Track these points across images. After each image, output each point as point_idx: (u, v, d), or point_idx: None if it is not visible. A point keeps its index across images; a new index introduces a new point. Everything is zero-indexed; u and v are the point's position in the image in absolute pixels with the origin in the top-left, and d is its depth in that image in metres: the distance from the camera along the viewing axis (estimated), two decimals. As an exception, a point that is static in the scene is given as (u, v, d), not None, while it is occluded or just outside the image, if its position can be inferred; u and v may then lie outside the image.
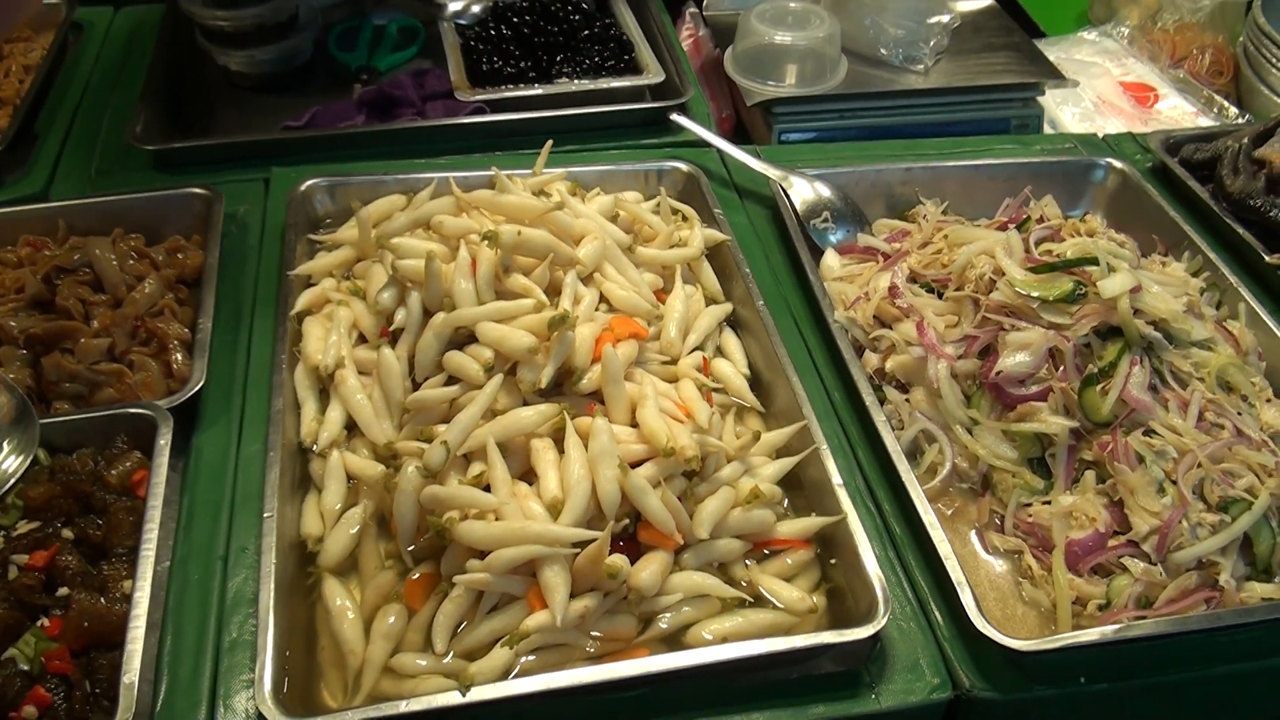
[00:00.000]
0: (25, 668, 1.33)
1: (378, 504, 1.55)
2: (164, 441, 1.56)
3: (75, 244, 1.92)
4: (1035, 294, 1.69)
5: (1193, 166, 2.26)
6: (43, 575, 1.43)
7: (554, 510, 1.42)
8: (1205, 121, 2.71)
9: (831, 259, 2.01)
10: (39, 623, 1.38)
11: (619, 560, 1.38)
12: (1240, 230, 2.06)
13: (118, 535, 1.49)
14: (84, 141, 2.32)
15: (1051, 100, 2.67)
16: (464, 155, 2.20)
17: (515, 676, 1.36)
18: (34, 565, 1.43)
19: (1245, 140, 2.20)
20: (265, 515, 1.48)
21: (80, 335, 1.75)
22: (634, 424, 1.54)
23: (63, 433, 1.61)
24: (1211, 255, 1.99)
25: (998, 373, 1.66)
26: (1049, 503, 1.61)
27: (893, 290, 1.83)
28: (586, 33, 2.50)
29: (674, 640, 1.44)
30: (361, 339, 1.71)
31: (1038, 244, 1.81)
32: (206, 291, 1.83)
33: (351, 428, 1.63)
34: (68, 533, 1.49)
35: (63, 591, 1.42)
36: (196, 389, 1.66)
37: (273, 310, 1.82)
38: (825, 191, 2.10)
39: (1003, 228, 1.92)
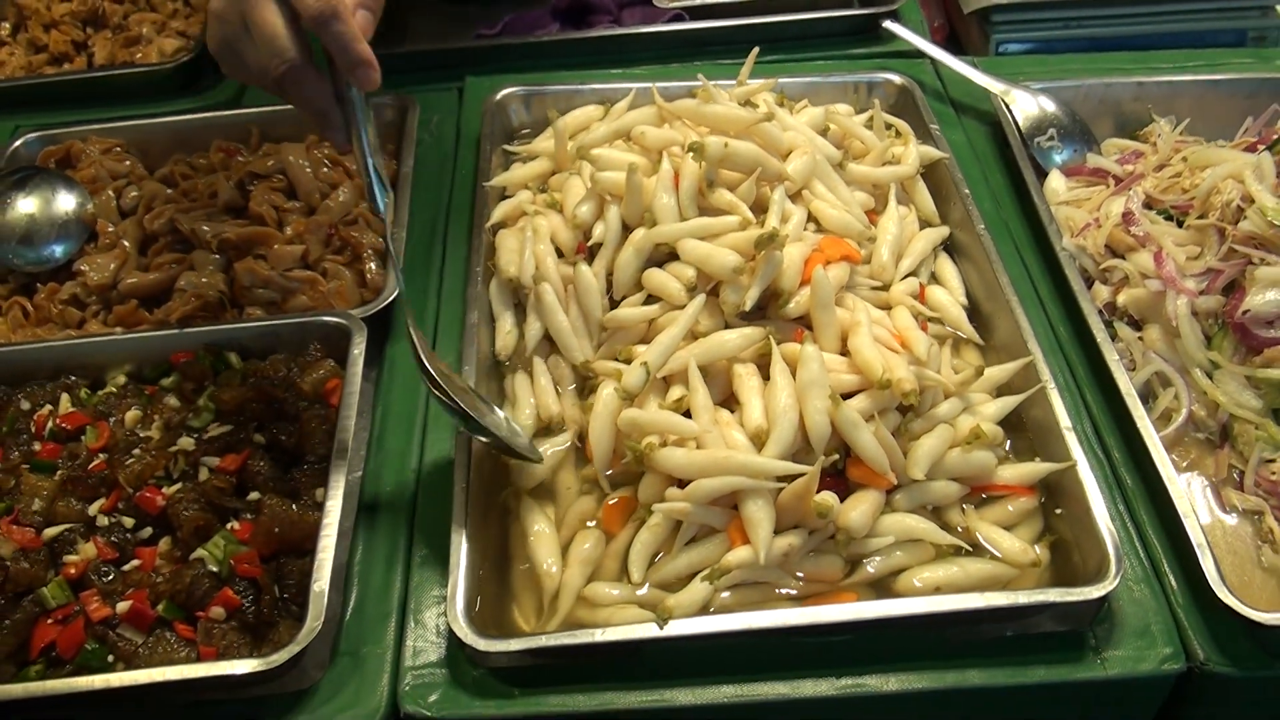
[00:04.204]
0: (214, 569, 1.32)
1: (575, 427, 1.49)
2: (358, 351, 1.53)
3: (269, 150, 1.90)
4: (1289, 224, 1.52)
5: None
6: (234, 479, 1.42)
7: (758, 440, 1.34)
8: None
9: (1057, 181, 1.86)
10: (229, 525, 1.38)
11: (829, 498, 1.29)
12: None
13: (310, 443, 1.47)
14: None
15: (1293, 11, 2.41)
16: (662, 65, 2.11)
17: (712, 613, 1.29)
18: (225, 468, 1.43)
19: None
20: (461, 430, 1.43)
21: (274, 241, 1.73)
22: (844, 353, 1.44)
23: (255, 337, 1.60)
24: None
25: (1244, 312, 1.50)
26: (1298, 460, 1.45)
27: (1127, 216, 1.67)
28: (791, -64, 2.35)
29: (881, 586, 1.35)
30: (556, 254, 1.65)
31: (1292, 166, 1.62)
32: (401, 200, 1.79)
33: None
34: (259, 438, 1.47)
35: (253, 496, 1.41)
36: (391, 299, 1.63)
37: (466, 222, 1.78)
38: (1050, 107, 1.94)
39: (1251, 148, 1.74)
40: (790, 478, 1.29)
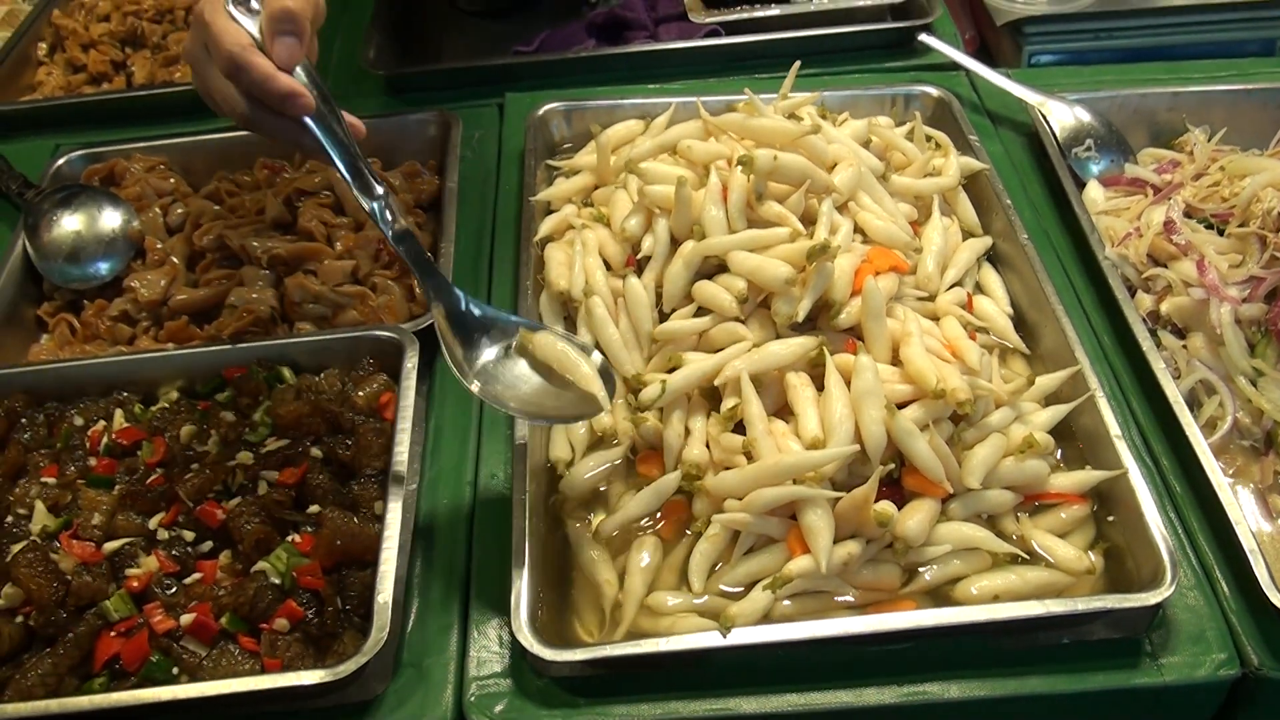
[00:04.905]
0: (277, 581, 1.33)
1: (628, 439, 1.51)
2: (411, 364, 1.55)
3: (314, 167, 1.92)
4: (1333, 231, 1.54)
5: None
6: (293, 492, 1.44)
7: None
8: None
9: (1096, 191, 1.87)
10: (289, 538, 1.39)
11: (889, 507, 1.30)
12: None
13: (366, 456, 1.48)
14: (315, 66, 2.31)
15: (1322, 20, 2.43)
16: (699, 80, 2.13)
17: (772, 621, 1.30)
18: (285, 482, 1.44)
19: None
20: (518, 442, 1.45)
21: (323, 257, 1.75)
22: (895, 363, 1.45)
23: (308, 352, 1.62)
24: None
25: (1288, 319, 1.52)
26: (1344, 466, 1.47)
27: (1169, 225, 1.69)
28: (822, -50, 2.37)
29: (939, 594, 1.36)
30: (605, 267, 1.66)
31: (1333, 175, 1.64)
32: (447, 215, 1.81)
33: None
34: (316, 451, 1.49)
35: (313, 509, 1.42)
36: (442, 313, 1.64)
37: (513, 235, 1.80)
38: (1086, 117, 1.95)
39: (1287, 156, 1.76)
40: (844, 488, 1.31)
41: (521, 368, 1.38)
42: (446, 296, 1.38)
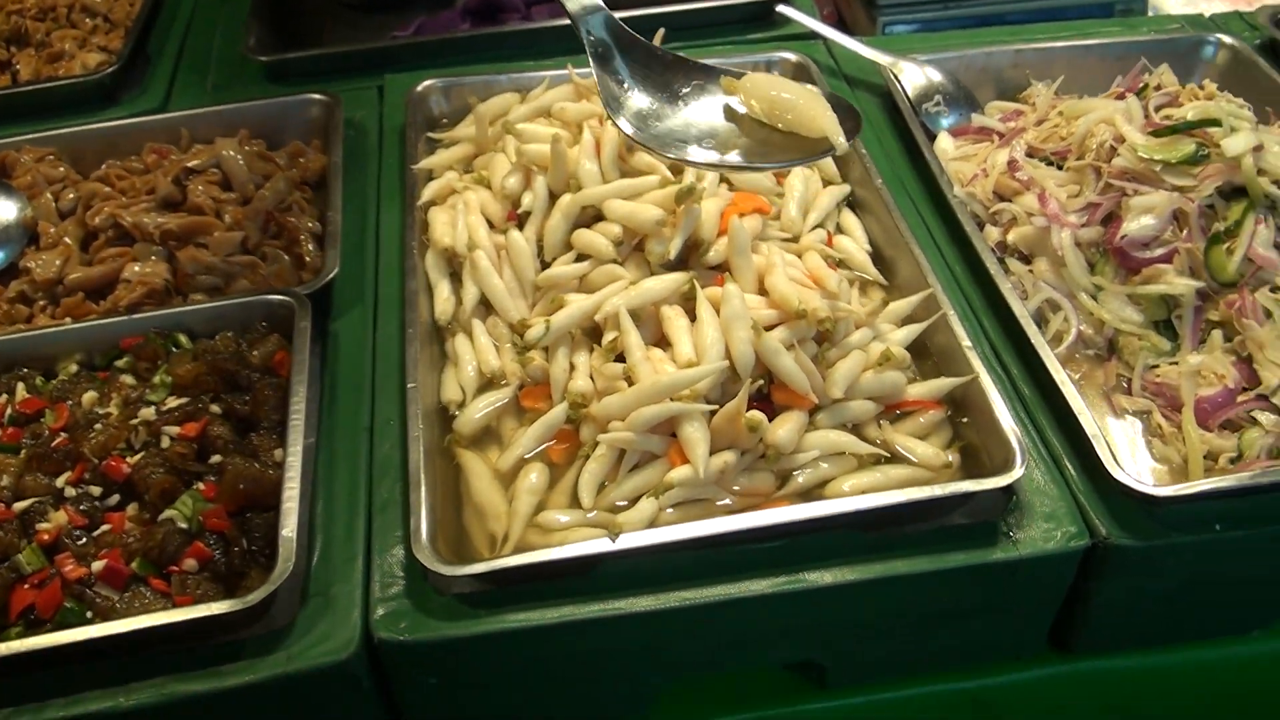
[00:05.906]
0: (184, 526, 1.38)
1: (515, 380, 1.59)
2: (304, 324, 1.61)
3: (200, 150, 1.97)
4: (1157, 157, 1.69)
5: (1306, 41, 2.21)
6: (195, 445, 1.49)
7: (689, 373, 1.45)
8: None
9: (945, 142, 2.01)
10: (195, 487, 1.44)
11: (758, 415, 1.40)
12: (1362, 101, 2.01)
13: (264, 410, 1.54)
14: (197, 58, 2.39)
15: (1154, -17, 2.63)
16: (572, 56, 2.21)
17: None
18: (186, 435, 1.49)
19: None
20: (409, 385, 1.53)
21: (214, 230, 1.81)
22: (762, 294, 1.56)
23: (203, 320, 1.67)
24: (1332, 126, 1.96)
25: (1122, 237, 1.67)
26: (1176, 363, 1.62)
27: (1012, 165, 1.83)
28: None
29: (811, 496, 1.46)
30: (487, 225, 1.74)
31: (1157, 110, 1.81)
32: (334, 188, 1.88)
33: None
34: (215, 408, 1.54)
35: (215, 459, 1.48)
36: (331, 276, 1.71)
37: (398, 204, 1.87)
38: (936, 76, 2.09)
39: (1120, 97, 1.91)
40: (719, 402, 1.41)
41: (692, 115, 1.54)
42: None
